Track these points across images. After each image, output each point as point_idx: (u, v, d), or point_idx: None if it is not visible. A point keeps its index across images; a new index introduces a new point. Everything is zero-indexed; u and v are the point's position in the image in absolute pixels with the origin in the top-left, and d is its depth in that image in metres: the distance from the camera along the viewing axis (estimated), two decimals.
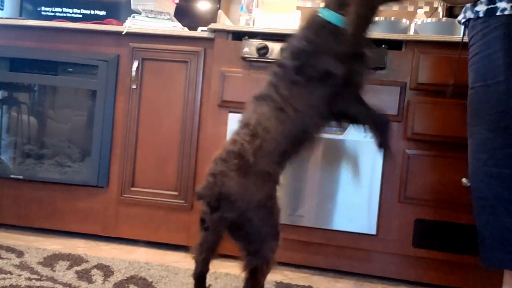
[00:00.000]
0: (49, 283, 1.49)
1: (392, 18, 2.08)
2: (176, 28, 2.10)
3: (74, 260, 1.74)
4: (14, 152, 2.23)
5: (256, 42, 1.86)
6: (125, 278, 1.59)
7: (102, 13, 2.74)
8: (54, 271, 1.61)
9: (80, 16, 2.75)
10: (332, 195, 1.83)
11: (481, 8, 1.19)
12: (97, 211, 2.10)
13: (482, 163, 1.21)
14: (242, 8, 2.40)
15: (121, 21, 2.21)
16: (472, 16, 1.23)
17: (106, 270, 1.65)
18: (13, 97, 2.30)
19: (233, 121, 1.89)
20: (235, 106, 1.89)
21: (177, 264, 1.81)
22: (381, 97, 1.78)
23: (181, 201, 2.02)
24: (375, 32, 1.95)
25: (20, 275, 1.53)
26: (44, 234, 2.11)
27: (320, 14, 1.28)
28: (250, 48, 1.86)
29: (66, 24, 2.12)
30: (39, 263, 1.68)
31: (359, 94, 1.31)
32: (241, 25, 2.29)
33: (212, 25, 1.95)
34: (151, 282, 1.58)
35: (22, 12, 2.82)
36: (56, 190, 2.12)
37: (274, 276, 1.73)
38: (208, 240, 1.18)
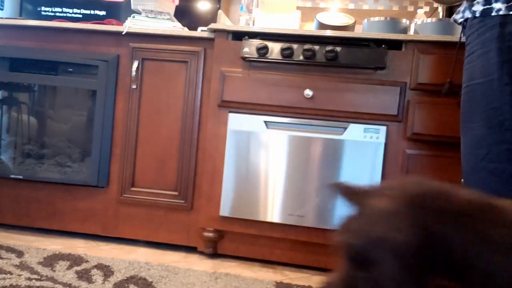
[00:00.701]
0: (49, 283, 1.49)
1: (392, 18, 2.08)
2: (176, 28, 2.10)
3: (74, 260, 1.74)
4: (14, 152, 2.24)
5: (256, 42, 1.86)
6: (125, 278, 1.59)
7: (102, 13, 2.74)
8: (54, 271, 1.61)
9: (80, 16, 2.76)
10: (332, 195, 1.83)
11: (478, 8, 1.22)
12: (97, 211, 2.10)
13: (480, 158, 1.22)
14: (242, 8, 2.40)
15: (121, 21, 2.21)
16: (469, 15, 1.25)
17: (106, 270, 1.65)
18: (13, 97, 2.30)
19: (233, 121, 1.90)
20: (235, 106, 1.89)
21: (177, 264, 1.81)
22: (381, 97, 1.79)
23: (181, 201, 2.02)
24: (375, 32, 1.96)
25: (20, 275, 1.53)
26: (44, 234, 2.11)
27: None
28: (250, 48, 1.86)
29: (66, 24, 2.11)
30: (39, 263, 1.68)
31: None
32: (241, 25, 2.29)
33: (212, 25, 1.95)
34: (151, 282, 1.58)
35: (22, 12, 2.82)
36: (56, 190, 2.12)
37: (274, 276, 1.74)
38: None
